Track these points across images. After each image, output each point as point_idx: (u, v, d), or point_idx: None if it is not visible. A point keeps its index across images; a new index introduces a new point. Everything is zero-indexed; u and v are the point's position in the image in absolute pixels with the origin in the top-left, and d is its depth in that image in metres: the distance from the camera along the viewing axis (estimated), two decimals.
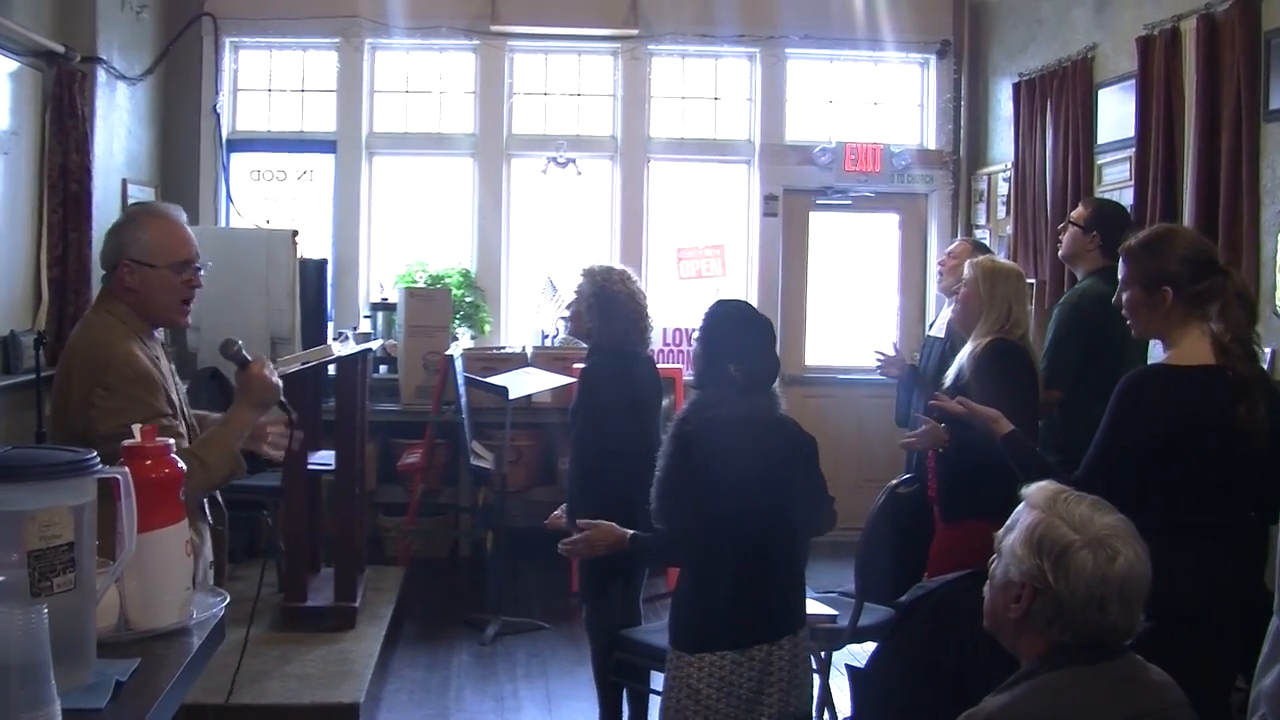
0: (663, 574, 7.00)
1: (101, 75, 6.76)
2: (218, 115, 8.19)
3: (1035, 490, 2.29)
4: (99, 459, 1.93)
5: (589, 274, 4.83)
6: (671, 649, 3.53)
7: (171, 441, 2.23)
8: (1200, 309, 3.23)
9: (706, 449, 3.42)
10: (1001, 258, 4.58)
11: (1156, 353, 4.75)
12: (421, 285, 8.16)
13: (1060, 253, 5.14)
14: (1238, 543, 3.20)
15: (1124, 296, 3.33)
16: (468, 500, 7.80)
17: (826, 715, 5.04)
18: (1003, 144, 8.09)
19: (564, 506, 4.96)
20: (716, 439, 3.41)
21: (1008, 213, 7.87)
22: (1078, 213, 4.94)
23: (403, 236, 8.60)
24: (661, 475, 3.52)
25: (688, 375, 7.98)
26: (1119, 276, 3.36)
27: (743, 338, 3.54)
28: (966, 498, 4.24)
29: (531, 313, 8.53)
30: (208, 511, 3.41)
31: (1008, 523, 2.29)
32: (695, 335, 3.68)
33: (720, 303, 3.72)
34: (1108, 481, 3.10)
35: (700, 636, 3.46)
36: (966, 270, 4.44)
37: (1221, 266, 3.28)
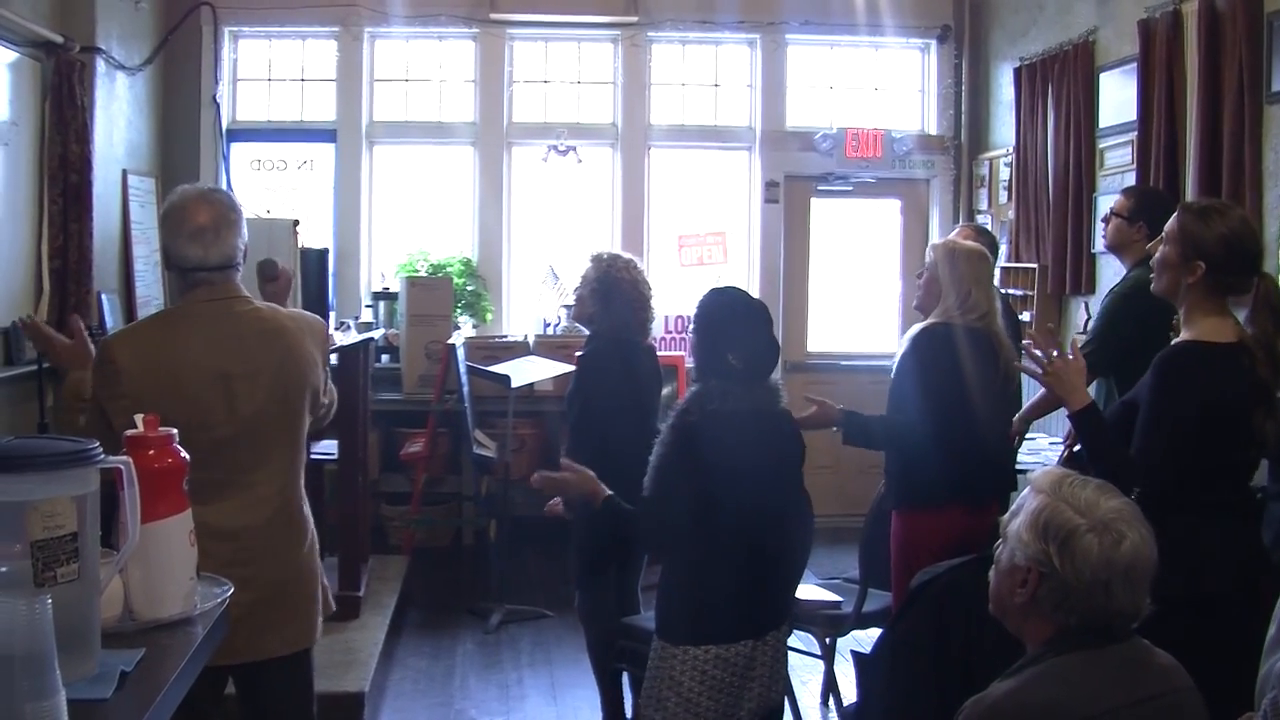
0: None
1: (101, 65, 6.74)
2: (217, 105, 8.17)
3: (1040, 474, 2.29)
4: (101, 449, 1.92)
5: (595, 259, 4.84)
6: (657, 639, 3.49)
7: (174, 431, 2.22)
8: (1224, 296, 3.23)
9: (708, 443, 3.36)
10: (967, 242, 4.52)
11: None
12: (423, 274, 8.16)
13: (1105, 244, 5.12)
14: (1251, 519, 3.23)
15: (1160, 249, 3.31)
16: (471, 489, 7.81)
17: (831, 702, 5.06)
18: (1004, 129, 8.08)
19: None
20: (718, 433, 3.36)
21: (1009, 198, 7.86)
22: (1120, 204, 4.88)
23: (404, 226, 8.60)
24: (659, 464, 3.46)
25: (690, 363, 7.99)
26: (1164, 229, 3.34)
27: (739, 325, 3.49)
28: (903, 486, 4.26)
29: (533, 301, 8.53)
30: None
31: (1013, 507, 2.29)
32: (691, 326, 3.64)
33: (713, 291, 3.64)
34: (1163, 462, 3.11)
35: (687, 630, 3.43)
36: (928, 253, 4.41)
37: (1260, 267, 3.27)
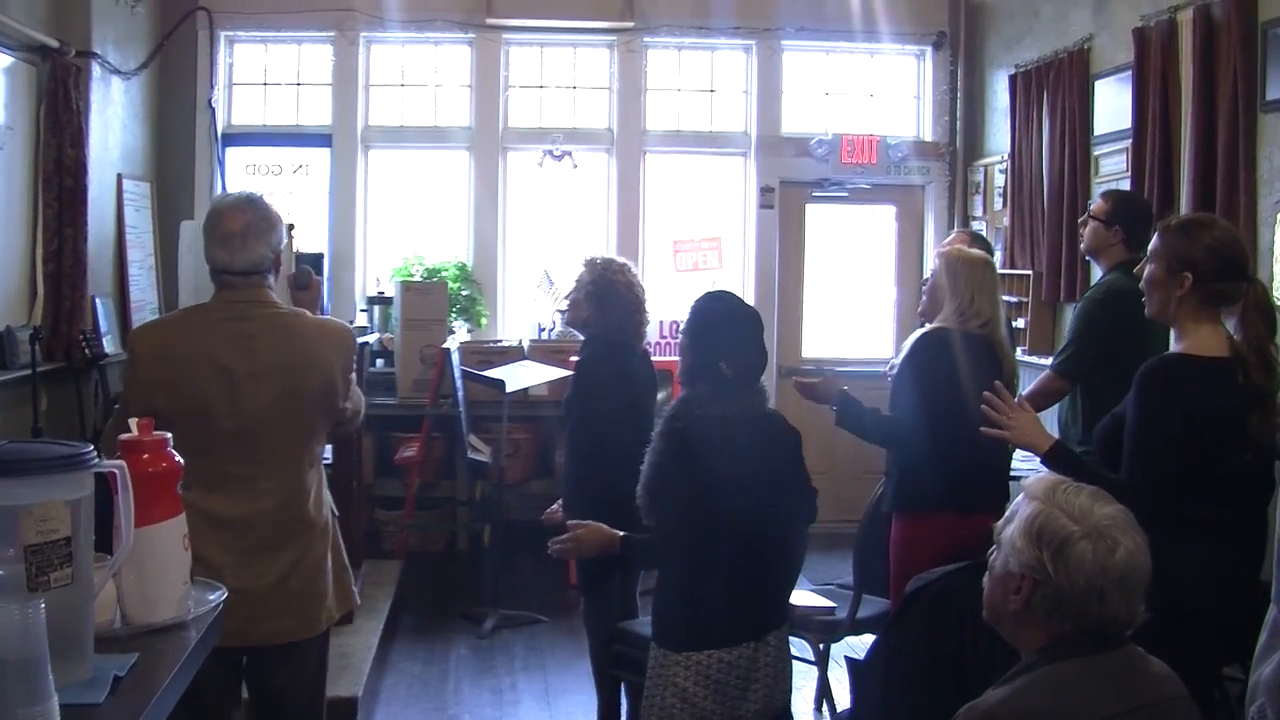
0: None
1: (96, 70, 6.73)
2: (213, 109, 8.17)
3: (1034, 481, 2.29)
4: (95, 453, 1.92)
5: (589, 264, 4.83)
6: (656, 647, 3.48)
7: (169, 435, 2.22)
8: (1216, 306, 3.23)
9: (700, 448, 3.36)
10: (972, 250, 4.53)
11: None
12: (418, 279, 8.15)
13: (1081, 246, 5.13)
14: (1240, 536, 3.21)
15: (1146, 269, 3.33)
16: (465, 494, 7.80)
17: (825, 708, 5.05)
18: (999, 136, 8.09)
19: (560, 501, 4.96)
20: (710, 438, 3.36)
21: (1004, 204, 7.87)
22: (1098, 206, 4.90)
23: (399, 230, 8.59)
24: (651, 472, 3.46)
25: (681, 376, 7.98)
26: (1148, 249, 3.35)
27: (732, 332, 3.50)
28: (902, 490, 4.27)
29: (528, 306, 8.53)
30: None
31: (1007, 514, 2.29)
32: (682, 329, 3.64)
33: (707, 295, 3.66)
34: (1155, 476, 3.10)
35: (688, 635, 3.42)
36: (934, 260, 4.45)
37: (1248, 274, 3.27)
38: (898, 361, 4.37)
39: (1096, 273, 6.63)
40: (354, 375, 3.49)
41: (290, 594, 3.32)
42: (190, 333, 3.32)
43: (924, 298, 4.45)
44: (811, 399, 4.37)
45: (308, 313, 3.53)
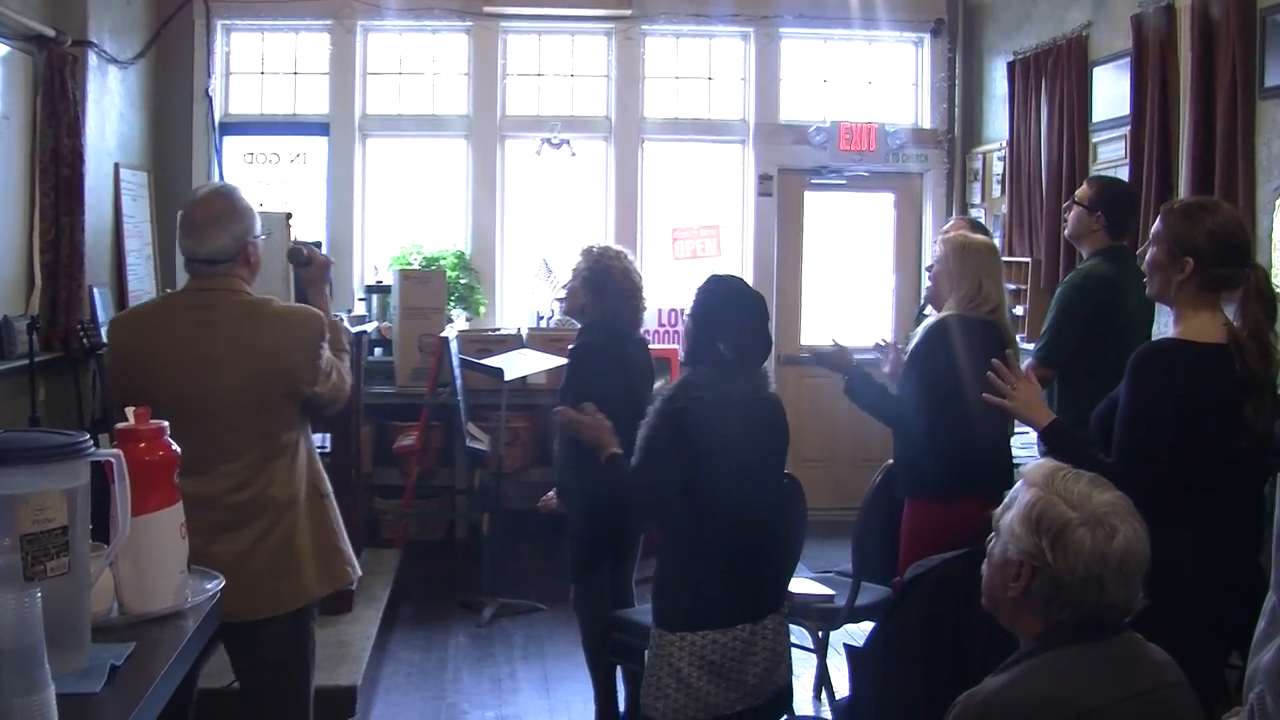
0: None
1: (93, 59, 6.71)
2: (210, 98, 8.15)
3: (1033, 468, 2.29)
4: (92, 442, 1.92)
5: (586, 252, 4.84)
6: (655, 627, 3.51)
7: (165, 424, 2.22)
8: (1216, 292, 3.22)
9: (695, 431, 3.37)
10: (977, 235, 4.53)
11: (1160, 333, 4.76)
12: (416, 267, 8.15)
13: (1065, 232, 5.12)
14: (1237, 522, 3.20)
15: (1149, 251, 3.32)
16: (464, 482, 7.80)
17: (824, 695, 5.06)
18: (997, 123, 8.08)
19: (555, 489, 4.97)
20: (706, 421, 3.37)
21: (1002, 191, 7.86)
22: (1082, 192, 4.90)
23: (397, 219, 8.58)
24: (645, 441, 3.45)
25: (683, 356, 7.98)
26: (1151, 232, 3.35)
27: (733, 315, 3.51)
28: (909, 476, 4.28)
29: (526, 294, 8.53)
30: None
31: (1005, 500, 2.29)
32: (687, 311, 3.65)
33: (713, 279, 3.67)
34: (1144, 460, 3.10)
35: (684, 616, 3.44)
36: (938, 247, 4.46)
37: (1250, 259, 3.27)
38: (905, 348, 4.38)
39: None
40: (324, 355, 3.46)
41: (252, 572, 3.32)
42: (157, 320, 3.47)
43: (929, 284, 4.46)
44: (825, 366, 4.48)
45: (277, 300, 3.55)
